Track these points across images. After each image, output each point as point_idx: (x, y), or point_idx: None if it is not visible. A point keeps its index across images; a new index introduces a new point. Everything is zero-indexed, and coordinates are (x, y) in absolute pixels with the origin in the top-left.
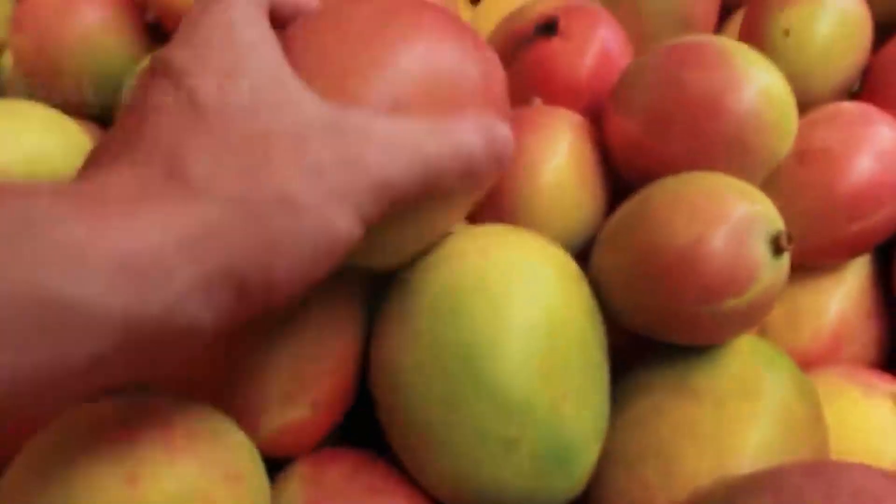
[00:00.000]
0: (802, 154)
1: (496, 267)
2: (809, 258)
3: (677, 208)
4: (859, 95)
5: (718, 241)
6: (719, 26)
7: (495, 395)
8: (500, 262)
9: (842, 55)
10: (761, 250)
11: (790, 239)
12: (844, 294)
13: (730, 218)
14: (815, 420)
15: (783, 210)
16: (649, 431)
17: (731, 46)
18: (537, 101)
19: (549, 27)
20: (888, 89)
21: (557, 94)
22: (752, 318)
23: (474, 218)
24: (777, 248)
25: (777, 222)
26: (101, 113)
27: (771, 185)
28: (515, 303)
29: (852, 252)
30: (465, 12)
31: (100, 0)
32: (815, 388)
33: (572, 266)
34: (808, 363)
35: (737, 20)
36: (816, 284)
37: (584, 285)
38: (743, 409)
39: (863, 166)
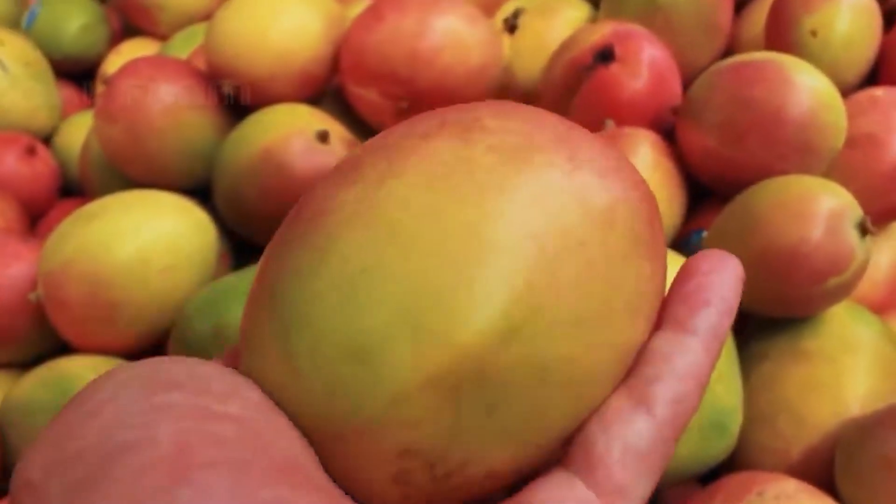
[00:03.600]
0: (849, 140)
1: None
2: None
3: (779, 212)
4: (879, 76)
5: (819, 236)
6: (735, 25)
7: None
8: None
9: (861, 45)
10: (853, 236)
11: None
12: (893, 248)
13: (824, 215)
14: None
15: None
16: (776, 391)
17: (784, 61)
18: (610, 124)
19: (606, 55)
20: None
21: (624, 114)
22: (850, 289)
23: None
24: (863, 231)
25: (858, 210)
26: (191, 187)
27: (827, 169)
28: None
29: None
30: (504, 41)
31: (177, 79)
32: (895, 333)
33: None
34: (871, 311)
35: (750, 17)
36: None
37: None
38: (849, 362)
39: None
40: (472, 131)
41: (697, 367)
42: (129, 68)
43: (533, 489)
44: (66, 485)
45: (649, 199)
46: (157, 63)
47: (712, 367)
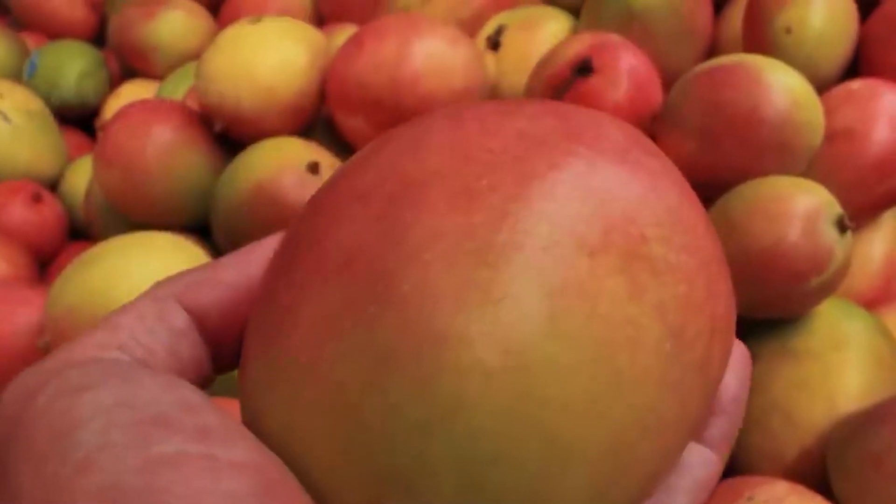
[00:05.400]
0: (828, 136)
1: None
2: (850, 219)
3: (754, 215)
4: (859, 67)
5: (795, 236)
6: (717, 25)
7: None
8: None
9: (838, 39)
10: (831, 234)
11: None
12: (884, 239)
13: (800, 214)
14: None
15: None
16: (767, 393)
17: (756, 63)
18: None
19: (585, 68)
20: (884, 55)
21: None
22: (833, 287)
23: None
24: (842, 228)
25: (836, 206)
26: (191, 224)
27: (807, 167)
28: None
29: (883, 207)
30: (488, 59)
31: (170, 120)
32: (887, 326)
33: None
34: (867, 305)
35: (731, 17)
36: (859, 237)
37: None
38: (838, 359)
39: (882, 136)
40: (637, 260)
41: (713, 475)
42: (123, 113)
43: None
44: None
45: None
46: (150, 106)
47: (723, 466)
